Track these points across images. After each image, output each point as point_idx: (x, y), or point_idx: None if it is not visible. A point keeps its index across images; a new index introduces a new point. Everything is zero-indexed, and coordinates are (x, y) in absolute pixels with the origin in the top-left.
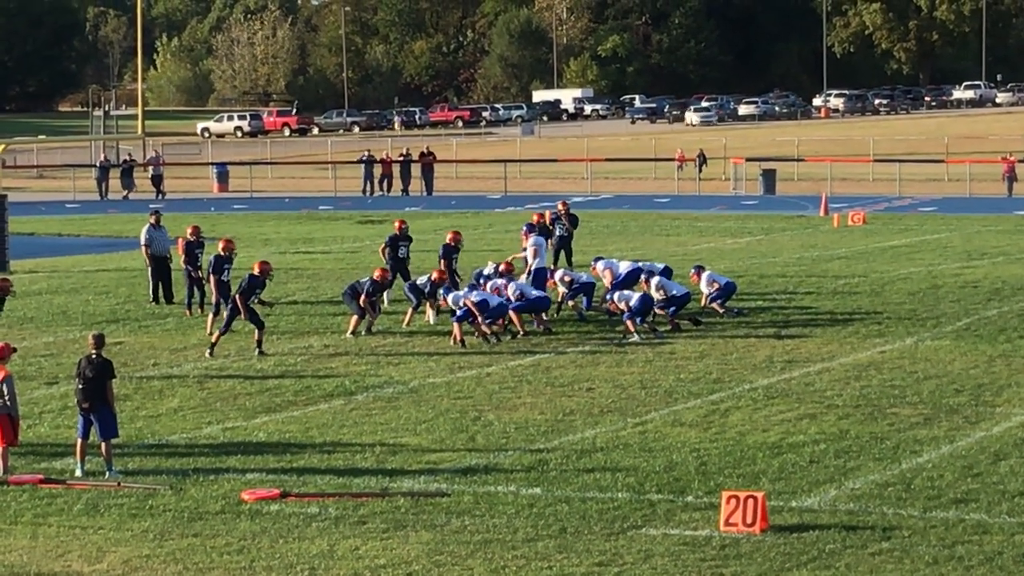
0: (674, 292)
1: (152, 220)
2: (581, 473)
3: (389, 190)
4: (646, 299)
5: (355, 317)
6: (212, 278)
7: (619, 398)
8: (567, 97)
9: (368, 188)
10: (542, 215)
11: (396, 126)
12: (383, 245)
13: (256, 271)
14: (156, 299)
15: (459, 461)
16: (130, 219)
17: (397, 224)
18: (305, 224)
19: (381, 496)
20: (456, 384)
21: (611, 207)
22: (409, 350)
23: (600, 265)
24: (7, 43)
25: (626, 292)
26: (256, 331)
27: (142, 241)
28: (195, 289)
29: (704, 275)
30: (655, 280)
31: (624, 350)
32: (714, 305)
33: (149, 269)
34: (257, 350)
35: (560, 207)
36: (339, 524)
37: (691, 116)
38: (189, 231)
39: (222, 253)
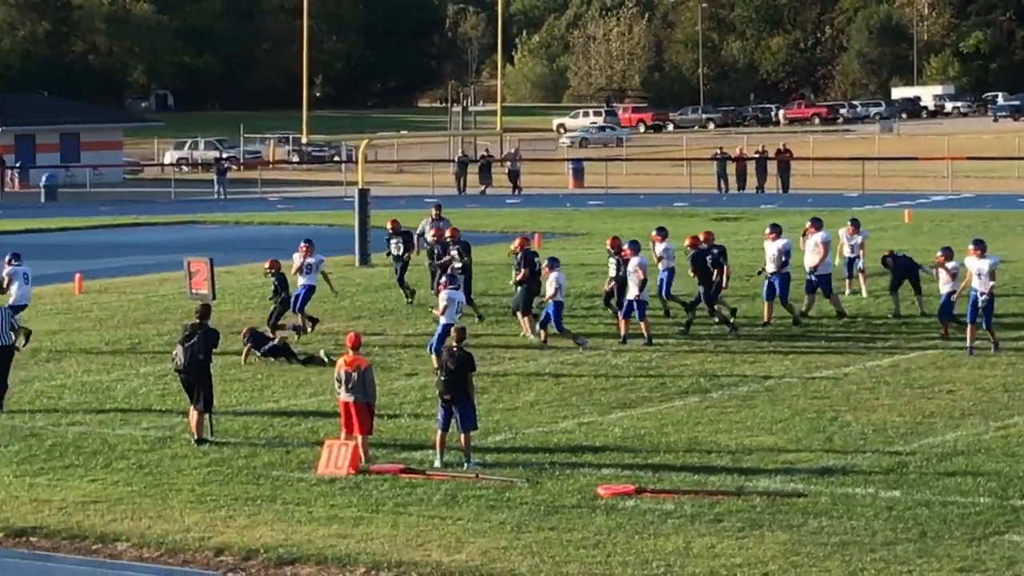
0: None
1: (434, 213)
2: (942, 477)
3: (744, 188)
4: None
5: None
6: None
7: (981, 401)
8: (927, 94)
9: (723, 185)
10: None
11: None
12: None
13: None
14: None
15: (816, 461)
16: (486, 214)
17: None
18: (659, 220)
19: (737, 495)
20: (813, 384)
21: (972, 207)
22: (765, 347)
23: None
24: (369, 39)
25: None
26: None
27: (418, 231)
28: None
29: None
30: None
31: (986, 353)
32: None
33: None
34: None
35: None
36: (694, 522)
37: None
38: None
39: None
